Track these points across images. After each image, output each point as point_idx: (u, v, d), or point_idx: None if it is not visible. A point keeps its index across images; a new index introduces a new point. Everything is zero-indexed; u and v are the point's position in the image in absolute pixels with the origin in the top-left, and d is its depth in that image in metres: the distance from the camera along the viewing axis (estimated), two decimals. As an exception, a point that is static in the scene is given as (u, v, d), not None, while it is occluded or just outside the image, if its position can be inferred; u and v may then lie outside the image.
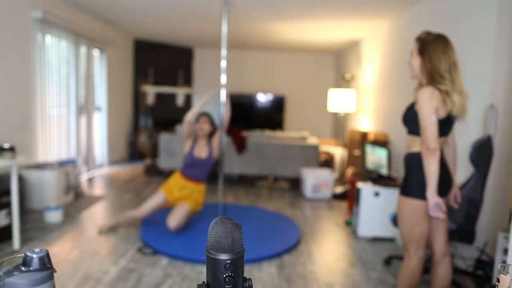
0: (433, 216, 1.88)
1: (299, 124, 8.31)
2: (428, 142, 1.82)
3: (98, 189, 4.98)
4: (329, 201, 4.90)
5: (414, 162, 1.94)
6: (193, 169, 3.48)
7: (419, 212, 1.92)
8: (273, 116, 8.10)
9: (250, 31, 6.11)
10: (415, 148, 1.95)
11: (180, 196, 3.45)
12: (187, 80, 8.16)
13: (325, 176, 4.93)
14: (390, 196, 3.47)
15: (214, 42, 7.07)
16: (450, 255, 2.08)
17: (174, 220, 3.28)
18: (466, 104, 1.90)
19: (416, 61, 1.94)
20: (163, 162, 5.60)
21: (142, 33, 6.81)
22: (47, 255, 0.60)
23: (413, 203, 1.93)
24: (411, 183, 1.95)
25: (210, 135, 3.57)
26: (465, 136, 2.96)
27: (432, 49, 1.87)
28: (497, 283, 0.74)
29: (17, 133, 3.97)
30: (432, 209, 1.85)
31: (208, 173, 3.56)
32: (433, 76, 1.86)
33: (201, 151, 3.51)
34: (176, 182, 3.50)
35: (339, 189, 5.19)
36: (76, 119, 5.17)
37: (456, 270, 2.74)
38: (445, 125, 1.92)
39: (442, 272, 2.06)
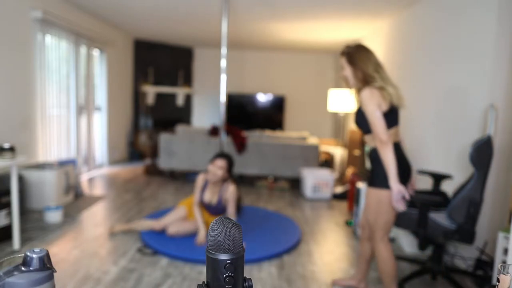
0: (395, 206, 2.04)
1: (299, 124, 8.31)
2: (380, 135, 2.04)
3: (98, 189, 4.98)
4: (329, 201, 4.90)
5: (378, 155, 2.12)
6: (209, 210, 3.34)
7: (385, 201, 2.11)
8: (273, 116, 8.10)
9: (250, 31, 6.11)
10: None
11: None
12: (187, 80, 8.16)
13: (325, 176, 4.93)
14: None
15: (214, 42, 7.08)
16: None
17: (175, 227, 3.22)
18: (401, 94, 2.18)
19: (349, 72, 2.22)
20: (163, 162, 5.60)
21: (142, 33, 6.81)
22: (47, 255, 0.60)
23: (380, 193, 2.12)
24: (377, 174, 2.13)
25: (224, 180, 3.29)
26: (465, 136, 2.96)
27: (357, 58, 2.17)
28: (497, 283, 0.74)
29: (17, 133, 3.97)
30: (396, 198, 2.01)
31: (223, 212, 3.32)
32: (366, 80, 2.15)
33: (212, 197, 3.29)
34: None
35: (339, 189, 5.19)
36: (76, 119, 5.17)
37: (456, 270, 2.75)
38: (391, 116, 2.12)
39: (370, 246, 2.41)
